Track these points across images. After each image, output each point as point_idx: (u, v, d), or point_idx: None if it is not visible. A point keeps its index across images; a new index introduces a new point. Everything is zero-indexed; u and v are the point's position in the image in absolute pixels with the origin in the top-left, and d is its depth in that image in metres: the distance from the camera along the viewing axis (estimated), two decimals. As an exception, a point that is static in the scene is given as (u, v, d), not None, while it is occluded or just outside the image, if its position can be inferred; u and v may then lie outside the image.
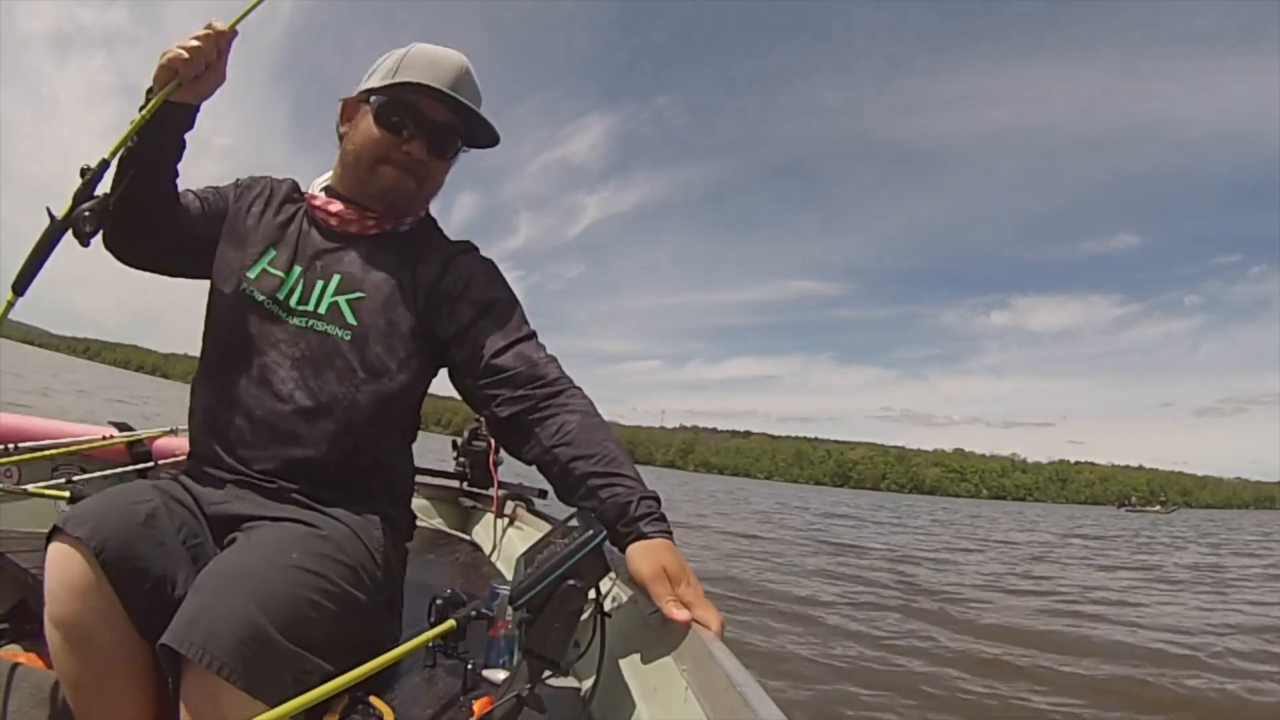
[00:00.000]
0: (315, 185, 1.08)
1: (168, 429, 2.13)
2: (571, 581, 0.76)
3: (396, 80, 0.95)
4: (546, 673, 0.77)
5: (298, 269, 1.00)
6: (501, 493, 2.12)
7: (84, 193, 0.90)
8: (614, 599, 1.03)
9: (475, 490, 2.33)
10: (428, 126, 0.97)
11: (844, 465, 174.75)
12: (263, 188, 1.08)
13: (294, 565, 0.76)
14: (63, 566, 0.72)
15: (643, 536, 0.82)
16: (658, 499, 0.87)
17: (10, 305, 0.90)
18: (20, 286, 0.90)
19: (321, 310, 0.97)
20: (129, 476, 1.88)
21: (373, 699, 0.85)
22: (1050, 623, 5.19)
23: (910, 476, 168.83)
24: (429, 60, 0.97)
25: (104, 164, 0.91)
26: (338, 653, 0.75)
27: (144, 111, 0.89)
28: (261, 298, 0.97)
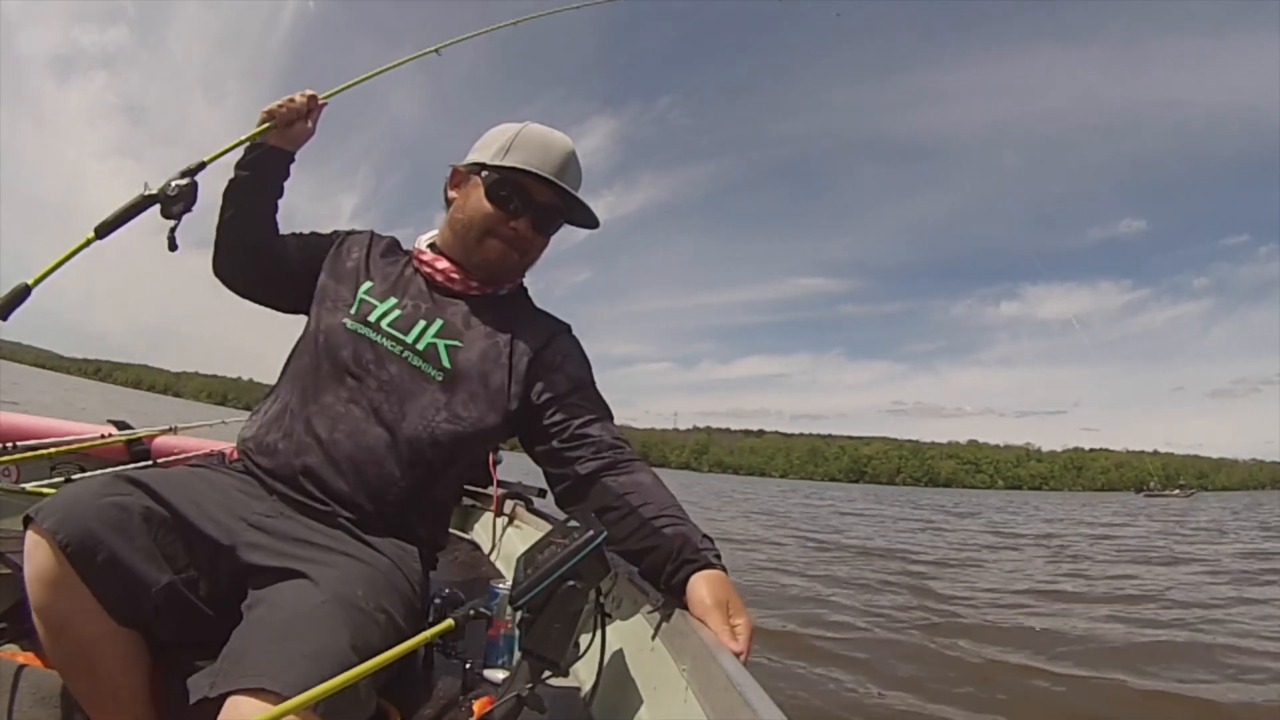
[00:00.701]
0: (420, 242, 1.15)
1: (166, 427, 2.13)
2: (572, 582, 0.76)
3: (507, 162, 1.02)
4: (546, 673, 0.77)
5: (393, 299, 1.06)
6: (501, 491, 2.12)
7: (178, 176, 0.99)
8: (614, 600, 1.03)
9: (474, 489, 2.33)
10: (534, 207, 1.05)
11: (858, 461, 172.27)
12: (363, 236, 1.17)
13: (364, 604, 0.78)
14: (34, 557, 0.73)
15: (709, 565, 0.88)
16: (713, 541, 0.94)
17: (88, 242, 0.96)
18: (102, 231, 0.96)
19: (420, 347, 1.01)
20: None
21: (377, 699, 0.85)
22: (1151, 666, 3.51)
23: (925, 470, 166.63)
24: (540, 143, 1.04)
25: (202, 164, 1.01)
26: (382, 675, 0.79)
27: (244, 137, 1.05)
28: (355, 325, 1.02)
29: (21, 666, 0.84)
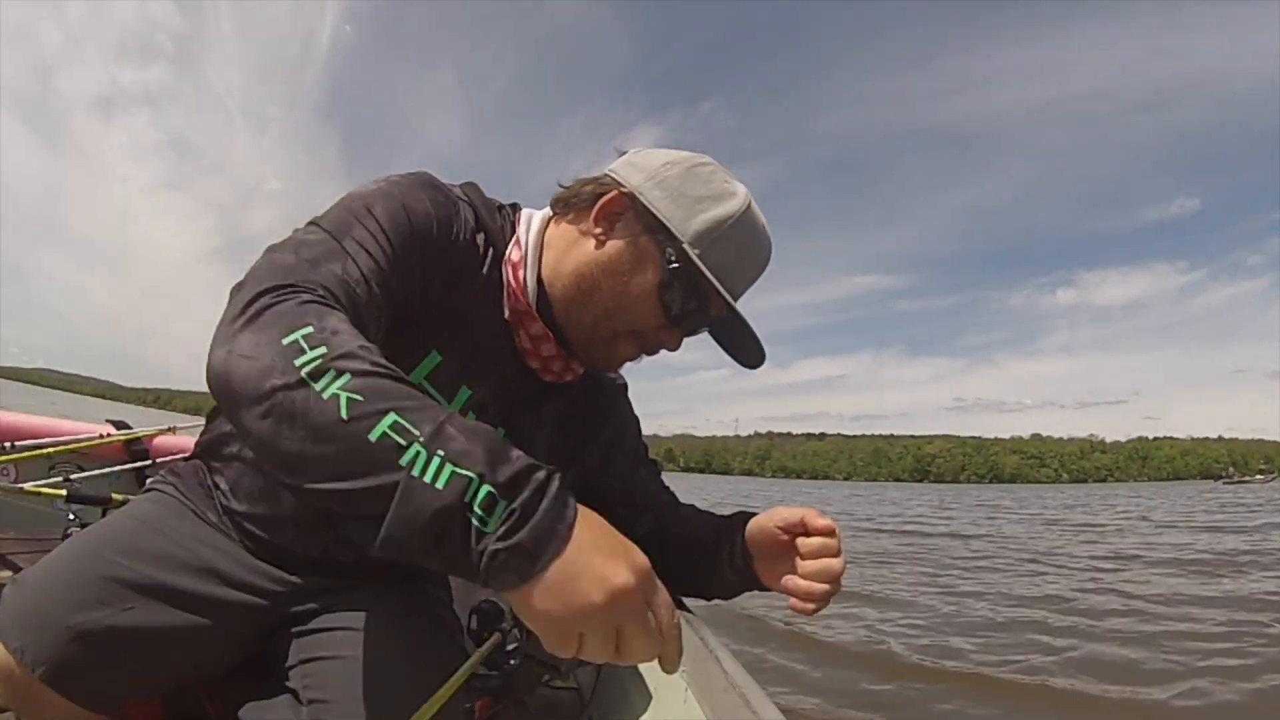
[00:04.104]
0: (525, 251, 0.73)
1: (165, 427, 2.12)
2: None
3: (708, 258, 0.70)
4: (547, 676, 0.77)
5: (467, 392, 0.73)
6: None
7: None
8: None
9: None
10: (700, 320, 0.75)
11: (922, 460, 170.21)
12: (463, 227, 0.71)
13: (448, 636, 0.76)
14: None
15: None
16: None
17: None
18: None
19: None
20: (126, 475, 1.88)
21: None
22: None
23: (990, 466, 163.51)
24: (753, 245, 0.74)
25: None
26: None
27: None
28: None
29: None
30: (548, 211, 0.77)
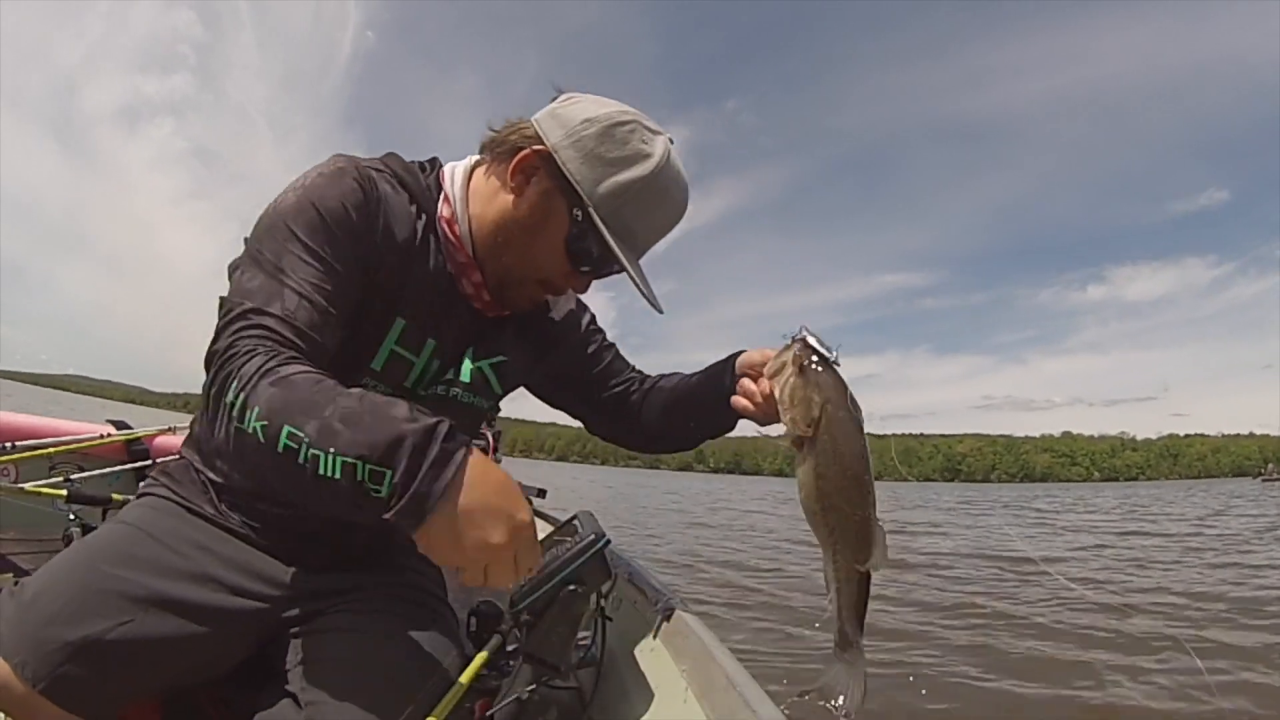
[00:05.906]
0: (456, 204, 0.79)
1: (165, 427, 2.12)
2: (573, 587, 0.76)
3: (615, 216, 0.73)
4: (546, 676, 0.78)
5: (430, 344, 0.79)
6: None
7: None
8: (615, 602, 1.03)
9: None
10: (606, 272, 0.80)
11: (952, 459, 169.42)
12: (383, 198, 0.75)
13: (443, 632, 0.79)
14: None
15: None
16: None
17: None
18: None
19: (465, 379, 0.82)
20: (126, 475, 1.88)
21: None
22: None
23: (1021, 465, 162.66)
24: (663, 203, 0.77)
25: None
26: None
27: None
28: (388, 392, 0.75)
29: None
30: (469, 160, 0.83)
